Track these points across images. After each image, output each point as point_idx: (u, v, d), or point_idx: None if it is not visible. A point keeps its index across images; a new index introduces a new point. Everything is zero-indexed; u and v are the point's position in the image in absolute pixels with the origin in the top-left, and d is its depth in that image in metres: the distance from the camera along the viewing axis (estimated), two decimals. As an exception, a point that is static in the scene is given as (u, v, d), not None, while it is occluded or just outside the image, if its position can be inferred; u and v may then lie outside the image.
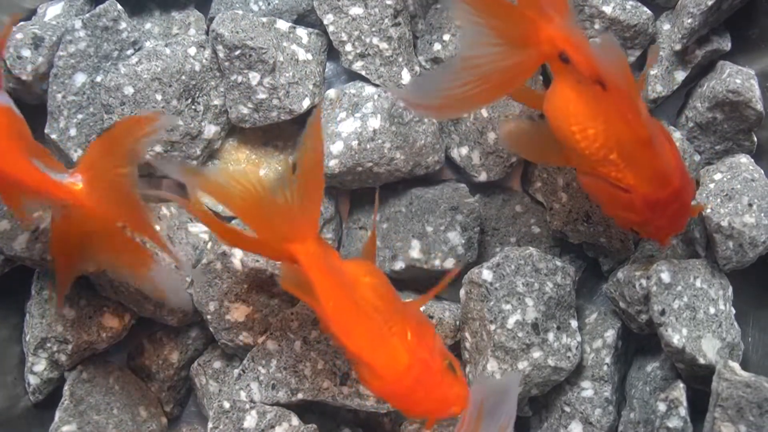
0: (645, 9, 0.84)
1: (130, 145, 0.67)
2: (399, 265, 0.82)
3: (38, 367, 0.78)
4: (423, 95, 0.65)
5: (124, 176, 0.67)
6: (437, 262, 0.81)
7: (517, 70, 0.65)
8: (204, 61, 0.82)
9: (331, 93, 0.84)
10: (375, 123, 0.79)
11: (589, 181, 0.70)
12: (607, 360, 0.80)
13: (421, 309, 0.79)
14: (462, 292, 0.79)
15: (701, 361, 0.74)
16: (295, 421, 0.75)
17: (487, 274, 0.77)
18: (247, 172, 0.75)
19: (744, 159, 0.84)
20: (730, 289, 0.79)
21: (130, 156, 0.67)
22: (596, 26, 0.84)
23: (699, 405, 0.75)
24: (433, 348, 0.65)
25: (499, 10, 0.63)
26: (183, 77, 0.81)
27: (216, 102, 0.83)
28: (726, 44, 0.85)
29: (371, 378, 0.63)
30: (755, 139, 0.85)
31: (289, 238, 0.63)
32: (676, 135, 0.86)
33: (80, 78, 0.80)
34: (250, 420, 0.75)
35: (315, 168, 0.64)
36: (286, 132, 0.86)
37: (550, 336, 0.77)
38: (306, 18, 0.86)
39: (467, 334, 0.79)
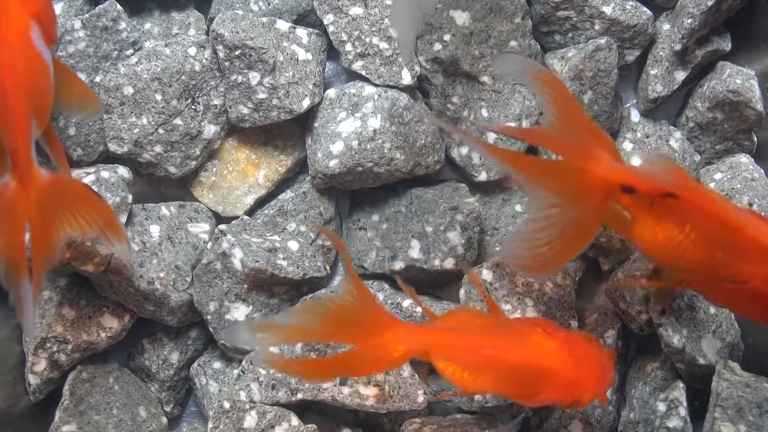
0: (645, 9, 0.84)
1: (90, 222, 0.66)
2: (399, 265, 0.82)
3: (38, 366, 0.78)
4: (517, 257, 0.66)
5: (68, 222, 0.65)
6: (437, 262, 0.81)
7: (589, 220, 0.64)
8: (204, 61, 0.82)
9: (331, 93, 0.84)
10: (375, 123, 0.79)
11: (715, 294, 0.67)
12: (607, 360, 0.80)
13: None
14: (462, 292, 0.79)
15: (701, 361, 0.74)
16: (295, 421, 0.75)
17: (486, 274, 0.77)
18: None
19: (744, 159, 0.84)
20: (731, 289, 0.79)
21: (81, 219, 0.66)
22: (596, 27, 0.84)
23: (699, 405, 0.75)
24: (563, 329, 0.66)
25: (549, 171, 0.63)
26: (183, 77, 0.81)
27: (216, 102, 0.83)
28: (726, 44, 0.85)
29: (536, 383, 0.63)
30: (755, 138, 0.85)
31: (381, 327, 0.63)
32: (677, 135, 0.87)
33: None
34: (250, 420, 0.75)
35: (348, 272, 0.65)
36: (286, 132, 0.86)
37: (550, 336, 0.77)
38: (306, 18, 0.86)
39: (467, 334, 0.79)
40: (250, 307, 0.80)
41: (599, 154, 0.63)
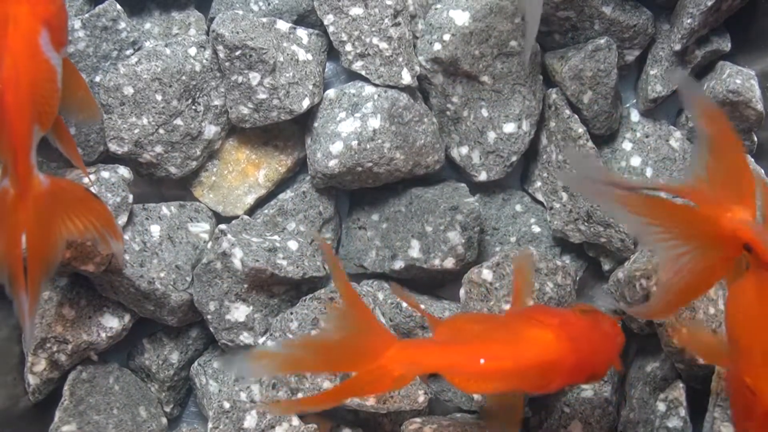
0: (645, 9, 0.84)
1: (88, 225, 0.67)
2: (399, 264, 0.82)
3: (38, 367, 0.78)
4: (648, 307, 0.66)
5: (66, 228, 0.66)
6: (437, 262, 0.81)
7: (717, 269, 0.61)
8: (204, 61, 0.82)
9: (331, 93, 0.84)
10: (375, 123, 0.80)
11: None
12: (607, 360, 0.80)
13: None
14: (462, 291, 0.79)
15: (701, 360, 0.74)
16: (295, 421, 0.75)
17: (487, 274, 0.77)
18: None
19: (744, 159, 0.84)
20: (730, 289, 0.79)
21: (80, 223, 0.66)
22: (596, 27, 0.84)
23: (699, 405, 0.75)
24: (557, 311, 0.65)
25: (683, 217, 0.61)
26: (183, 77, 0.81)
27: (216, 102, 0.83)
28: (726, 44, 0.85)
29: (543, 377, 0.62)
30: (755, 139, 0.85)
31: (378, 349, 0.61)
32: (677, 135, 0.87)
33: (80, 78, 0.80)
34: (250, 420, 0.75)
35: (347, 292, 0.63)
36: (286, 132, 0.87)
37: (550, 336, 0.77)
38: (306, 18, 0.86)
39: (467, 334, 0.79)
40: (251, 307, 0.80)
41: (734, 207, 0.60)
